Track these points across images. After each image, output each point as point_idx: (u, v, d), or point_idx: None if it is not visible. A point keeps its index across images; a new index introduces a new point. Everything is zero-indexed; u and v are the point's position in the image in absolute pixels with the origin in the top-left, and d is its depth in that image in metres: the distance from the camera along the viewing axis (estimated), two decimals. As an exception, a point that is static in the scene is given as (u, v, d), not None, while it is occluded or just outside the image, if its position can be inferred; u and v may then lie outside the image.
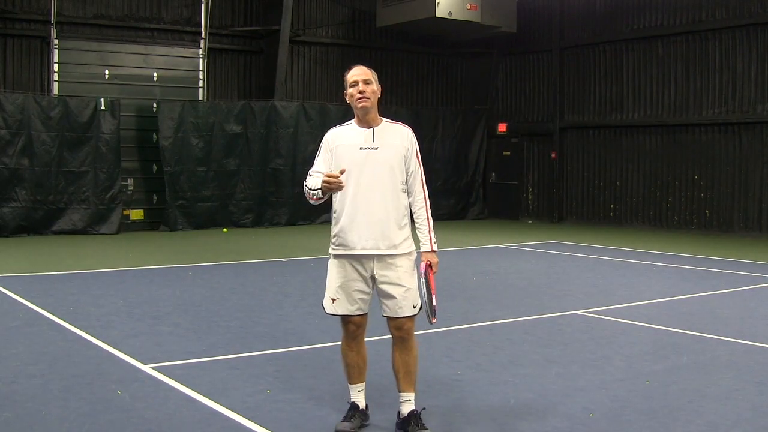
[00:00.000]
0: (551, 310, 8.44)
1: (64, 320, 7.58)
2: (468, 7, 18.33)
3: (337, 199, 4.58)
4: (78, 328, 7.26)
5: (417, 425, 4.52)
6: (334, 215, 4.60)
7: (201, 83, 18.05)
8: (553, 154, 20.35)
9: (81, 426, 4.62)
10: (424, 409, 4.66)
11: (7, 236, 15.04)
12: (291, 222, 18.29)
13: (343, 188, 4.43)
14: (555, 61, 20.29)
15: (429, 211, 4.66)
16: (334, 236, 4.58)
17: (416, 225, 4.67)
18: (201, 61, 18.09)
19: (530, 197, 21.17)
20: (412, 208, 4.66)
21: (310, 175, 4.60)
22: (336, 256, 4.58)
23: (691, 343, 7.10)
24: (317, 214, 18.50)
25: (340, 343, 4.70)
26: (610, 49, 19.27)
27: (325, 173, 4.43)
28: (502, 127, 21.50)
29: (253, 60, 19.44)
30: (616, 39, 19.04)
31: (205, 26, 18.09)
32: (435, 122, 20.59)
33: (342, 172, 4.39)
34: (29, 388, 5.35)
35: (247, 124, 17.73)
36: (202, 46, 18.10)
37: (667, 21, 18.14)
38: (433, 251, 4.60)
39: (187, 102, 17.18)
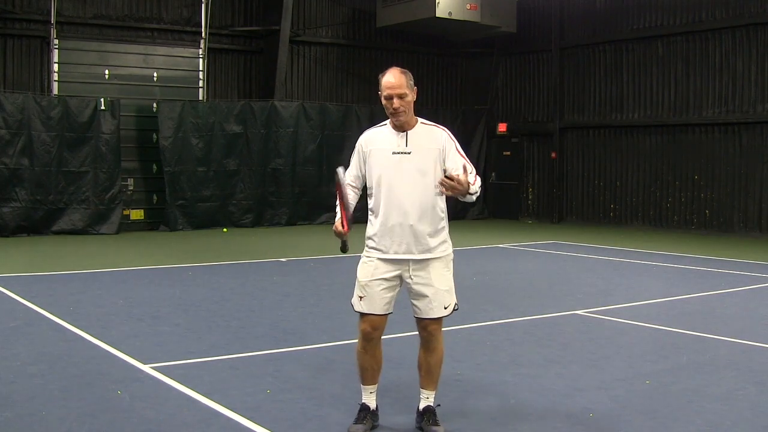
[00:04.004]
0: (551, 310, 8.44)
1: (64, 320, 7.57)
2: (468, 7, 18.34)
3: (372, 201, 4.57)
4: (78, 328, 7.26)
5: (429, 421, 4.58)
6: (370, 216, 4.59)
7: (201, 83, 18.05)
8: (553, 154, 20.35)
9: (81, 426, 4.62)
10: (438, 405, 4.71)
11: (7, 236, 15.03)
12: (291, 222, 18.29)
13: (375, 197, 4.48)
14: (555, 61, 20.28)
15: (473, 171, 4.54)
16: (368, 238, 4.57)
17: None
18: (201, 61, 18.09)
19: (530, 197, 21.17)
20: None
21: (347, 182, 4.60)
22: (369, 257, 4.56)
23: (691, 343, 7.10)
24: (317, 214, 18.53)
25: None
26: (610, 49, 19.27)
27: (336, 228, 4.48)
28: (502, 127, 21.50)
29: (253, 60, 19.44)
30: (616, 39, 19.04)
31: (205, 26, 18.08)
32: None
33: (344, 242, 4.43)
34: (29, 388, 5.34)
35: (247, 124, 17.73)
36: (202, 46, 18.09)
37: (667, 21, 18.14)
38: (469, 183, 4.42)
39: (187, 102, 17.17)
